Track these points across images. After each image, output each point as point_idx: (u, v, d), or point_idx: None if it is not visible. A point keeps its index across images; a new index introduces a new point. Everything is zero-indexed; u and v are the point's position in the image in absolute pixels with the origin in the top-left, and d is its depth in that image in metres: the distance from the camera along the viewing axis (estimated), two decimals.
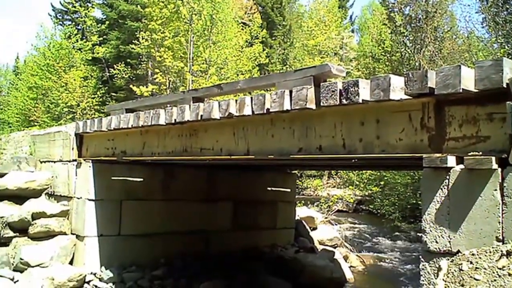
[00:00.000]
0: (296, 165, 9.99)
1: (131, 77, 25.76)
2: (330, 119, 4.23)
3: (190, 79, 20.05)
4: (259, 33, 27.35)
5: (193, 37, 20.79)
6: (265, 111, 4.53)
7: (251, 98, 4.70)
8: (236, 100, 4.83)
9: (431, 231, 3.46)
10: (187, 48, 20.87)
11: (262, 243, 10.43)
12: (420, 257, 3.56)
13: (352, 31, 43.47)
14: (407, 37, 22.52)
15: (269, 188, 10.95)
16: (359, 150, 4.04)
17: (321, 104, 3.99)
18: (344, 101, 3.80)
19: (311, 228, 12.39)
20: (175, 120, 5.67)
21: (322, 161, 6.98)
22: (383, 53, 25.04)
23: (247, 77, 20.87)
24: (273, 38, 33.43)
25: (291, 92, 4.29)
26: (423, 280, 3.49)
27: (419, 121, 3.62)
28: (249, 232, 10.27)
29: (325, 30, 33.31)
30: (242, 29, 25.60)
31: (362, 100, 3.69)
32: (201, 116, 5.24)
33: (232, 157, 5.31)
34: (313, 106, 4.12)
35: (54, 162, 8.92)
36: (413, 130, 3.65)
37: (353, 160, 5.23)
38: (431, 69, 3.44)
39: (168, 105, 6.47)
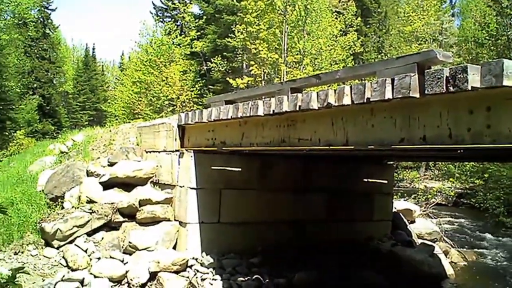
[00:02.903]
0: (393, 155, 9.69)
1: (227, 69, 26.54)
2: (435, 107, 4.07)
3: (285, 70, 20.17)
4: (353, 21, 26.78)
5: (287, 28, 20.87)
6: (365, 101, 4.45)
7: (351, 87, 4.63)
8: (335, 90, 4.79)
9: None
10: (281, 40, 21.01)
11: (357, 235, 10.27)
12: None
13: (453, 15, 41.07)
14: None
15: (365, 180, 10.74)
16: (467, 140, 3.85)
17: (426, 92, 3.85)
18: (451, 89, 3.63)
19: (409, 221, 11.99)
20: (273, 111, 5.72)
21: (423, 152, 6.72)
22: (487, 37, 23.50)
23: (341, 67, 20.59)
24: (368, 26, 32.68)
25: (392, 80, 4.18)
26: None
27: None
28: (344, 224, 10.13)
29: (423, 15, 31.73)
30: (336, 18, 25.21)
31: (472, 87, 3.50)
32: (299, 106, 5.25)
33: (331, 147, 5.29)
34: (417, 95, 3.98)
35: (159, 152, 9.34)
36: None
37: (459, 151, 5.01)
38: None
39: (265, 96, 6.56)
